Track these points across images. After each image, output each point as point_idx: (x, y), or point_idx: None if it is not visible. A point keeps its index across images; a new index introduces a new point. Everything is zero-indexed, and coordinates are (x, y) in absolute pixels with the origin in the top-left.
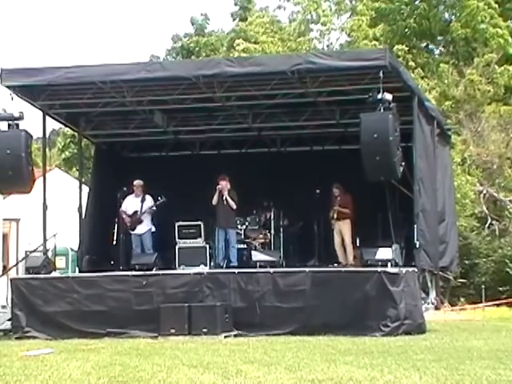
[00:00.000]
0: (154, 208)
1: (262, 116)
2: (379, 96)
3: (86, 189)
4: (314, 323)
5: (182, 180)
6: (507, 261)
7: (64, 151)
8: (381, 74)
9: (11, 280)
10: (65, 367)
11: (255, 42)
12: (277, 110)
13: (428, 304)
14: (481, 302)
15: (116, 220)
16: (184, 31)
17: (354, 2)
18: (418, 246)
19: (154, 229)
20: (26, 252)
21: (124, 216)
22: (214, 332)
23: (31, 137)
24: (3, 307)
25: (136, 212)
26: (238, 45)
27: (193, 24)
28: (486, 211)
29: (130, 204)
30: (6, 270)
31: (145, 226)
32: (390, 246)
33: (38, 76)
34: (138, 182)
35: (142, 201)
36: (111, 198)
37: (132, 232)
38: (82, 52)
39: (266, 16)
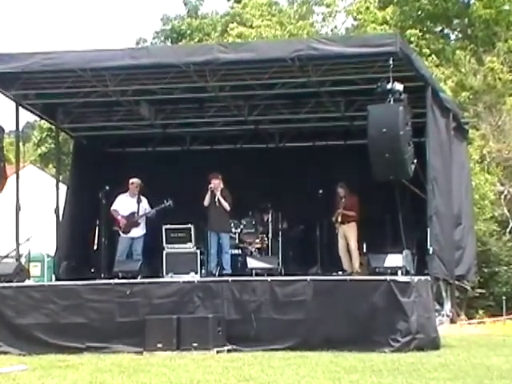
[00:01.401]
0: (154, 212)
1: (260, 108)
2: (389, 86)
3: (63, 188)
4: (316, 337)
5: (170, 178)
6: None
7: (40, 146)
8: (391, 62)
9: None
10: None
11: (251, 27)
12: (275, 101)
13: (442, 316)
14: (501, 315)
15: (97, 222)
16: (175, 12)
17: None
18: (431, 252)
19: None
20: None
21: (119, 217)
22: (206, 347)
23: (3, 130)
24: None
25: (133, 213)
26: (232, 29)
27: (185, 4)
28: (508, 214)
29: (125, 204)
30: None
31: (140, 230)
32: (401, 252)
33: (10, 63)
34: (136, 181)
35: (139, 202)
36: (92, 198)
37: (124, 235)
38: (62, 36)
39: None
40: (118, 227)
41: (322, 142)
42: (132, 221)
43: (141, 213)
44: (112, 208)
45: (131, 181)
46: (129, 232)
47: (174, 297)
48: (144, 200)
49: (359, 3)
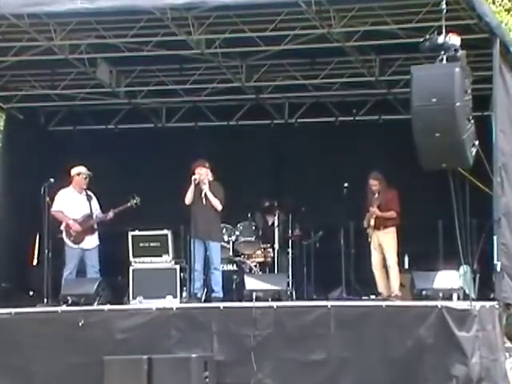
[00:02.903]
0: (112, 214)
1: (262, 70)
2: (440, 40)
3: None
4: None
5: (138, 167)
6: None
7: None
8: (443, 6)
9: None
10: None
11: None
12: (284, 60)
13: None
14: None
15: (38, 228)
16: None
17: None
18: (499, 268)
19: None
20: None
21: (70, 221)
22: None
23: None
24: None
25: (88, 216)
26: None
27: None
28: None
29: (72, 203)
30: None
31: (95, 239)
32: (457, 269)
33: None
34: (83, 170)
35: (89, 199)
36: (31, 195)
37: (74, 245)
38: None
39: None
40: (66, 235)
41: (347, 117)
42: (87, 226)
43: (96, 215)
44: (55, 209)
45: (77, 170)
46: (81, 242)
47: (143, 330)
48: (93, 197)
49: None
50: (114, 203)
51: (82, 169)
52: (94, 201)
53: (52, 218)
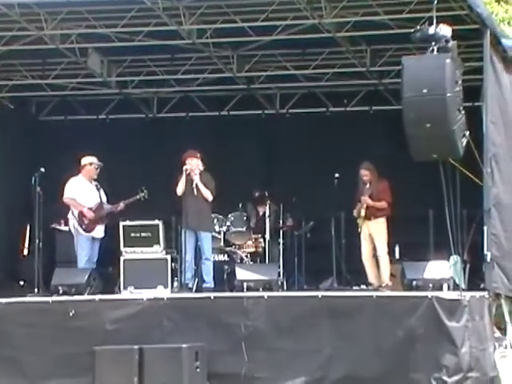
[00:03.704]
0: (123, 205)
1: (254, 60)
2: (431, 30)
3: None
4: (333, 375)
5: (129, 157)
6: None
7: None
8: None
9: None
10: None
11: None
12: (275, 51)
13: (505, 348)
14: None
15: (29, 218)
16: None
17: None
18: (489, 258)
19: None
20: None
21: (85, 209)
22: None
23: None
24: None
25: (100, 205)
26: None
27: None
28: None
29: (85, 191)
30: None
31: (103, 229)
32: (447, 259)
33: None
34: (95, 161)
35: (98, 189)
36: (22, 184)
37: (85, 234)
38: None
39: None
40: (79, 223)
41: (338, 108)
42: (99, 215)
43: (106, 205)
44: (68, 196)
45: (89, 160)
46: (92, 230)
47: (134, 320)
48: (100, 188)
49: None
50: (106, 193)
51: (93, 159)
52: (102, 192)
53: (64, 204)
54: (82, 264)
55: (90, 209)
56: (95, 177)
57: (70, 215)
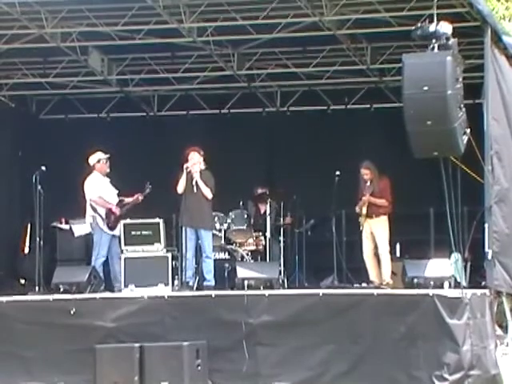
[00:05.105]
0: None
1: (254, 58)
2: (432, 28)
3: None
4: (333, 371)
5: (130, 155)
6: None
7: None
8: None
9: None
10: None
11: None
12: (276, 48)
13: (506, 346)
14: None
15: (30, 216)
16: None
17: None
18: (490, 256)
19: None
20: None
21: (114, 207)
22: None
23: None
24: None
25: (121, 201)
26: None
27: None
28: None
29: (106, 188)
30: None
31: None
32: (448, 257)
33: None
34: (101, 155)
35: (113, 184)
36: (22, 183)
37: (109, 232)
38: None
39: None
40: (104, 221)
41: (339, 106)
42: (122, 212)
43: (126, 199)
44: (94, 195)
45: (96, 158)
46: (115, 228)
47: (135, 318)
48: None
49: None
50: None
51: (99, 154)
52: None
53: (96, 202)
54: (99, 264)
55: (117, 205)
56: (108, 170)
57: (90, 213)
